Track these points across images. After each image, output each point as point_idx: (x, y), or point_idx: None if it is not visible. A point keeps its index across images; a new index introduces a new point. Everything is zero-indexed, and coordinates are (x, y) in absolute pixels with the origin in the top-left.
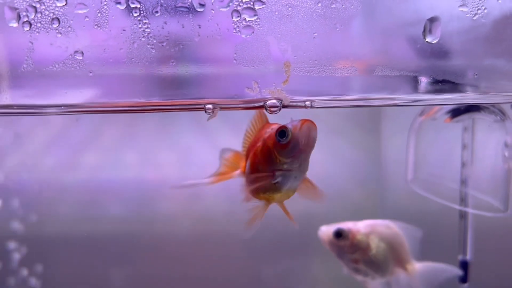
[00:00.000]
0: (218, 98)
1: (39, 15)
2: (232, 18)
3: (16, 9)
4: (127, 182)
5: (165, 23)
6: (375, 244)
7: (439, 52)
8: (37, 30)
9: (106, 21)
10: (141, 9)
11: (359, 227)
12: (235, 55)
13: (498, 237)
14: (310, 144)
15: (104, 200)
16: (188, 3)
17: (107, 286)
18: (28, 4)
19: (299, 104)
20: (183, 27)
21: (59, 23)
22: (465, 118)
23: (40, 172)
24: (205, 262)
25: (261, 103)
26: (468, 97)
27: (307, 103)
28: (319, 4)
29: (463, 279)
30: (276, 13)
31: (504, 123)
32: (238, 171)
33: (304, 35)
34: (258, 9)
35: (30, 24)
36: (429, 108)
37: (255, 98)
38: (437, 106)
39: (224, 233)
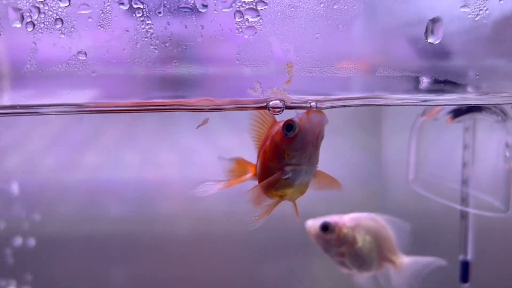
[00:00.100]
0: (220, 98)
1: (42, 15)
2: (235, 18)
3: (19, 9)
4: (128, 182)
5: (168, 23)
6: (361, 237)
7: (441, 52)
8: (40, 31)
9: (109, 21)
10: (144, 10)
11: (345, 220)
12: (237, 55)
13: (499, 237)
14: (317, 134)
15: (104, 200)
16: (191, 4)
17: (107, 286)
18: (31, 4)
19: (301, 104)
20: (186, 27)
21: (62, 23)
22: (467, 118)
23: (41, 172)
24: (205, 262)
25: (264, 104)
26: (470, 98)
27: (312, 103)
28: (322, 5)
29: (464, 279)
30: (279, 13)
31: (505, 124)
32: (249, 174)
33: (306, 36)
34: (260, 9)
35: (34, 25)
36: (431, 108)
37: (258, 98)
38: (438, 107)
39: (224, 233)
